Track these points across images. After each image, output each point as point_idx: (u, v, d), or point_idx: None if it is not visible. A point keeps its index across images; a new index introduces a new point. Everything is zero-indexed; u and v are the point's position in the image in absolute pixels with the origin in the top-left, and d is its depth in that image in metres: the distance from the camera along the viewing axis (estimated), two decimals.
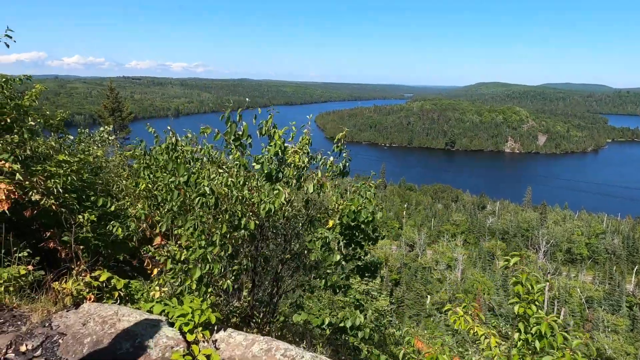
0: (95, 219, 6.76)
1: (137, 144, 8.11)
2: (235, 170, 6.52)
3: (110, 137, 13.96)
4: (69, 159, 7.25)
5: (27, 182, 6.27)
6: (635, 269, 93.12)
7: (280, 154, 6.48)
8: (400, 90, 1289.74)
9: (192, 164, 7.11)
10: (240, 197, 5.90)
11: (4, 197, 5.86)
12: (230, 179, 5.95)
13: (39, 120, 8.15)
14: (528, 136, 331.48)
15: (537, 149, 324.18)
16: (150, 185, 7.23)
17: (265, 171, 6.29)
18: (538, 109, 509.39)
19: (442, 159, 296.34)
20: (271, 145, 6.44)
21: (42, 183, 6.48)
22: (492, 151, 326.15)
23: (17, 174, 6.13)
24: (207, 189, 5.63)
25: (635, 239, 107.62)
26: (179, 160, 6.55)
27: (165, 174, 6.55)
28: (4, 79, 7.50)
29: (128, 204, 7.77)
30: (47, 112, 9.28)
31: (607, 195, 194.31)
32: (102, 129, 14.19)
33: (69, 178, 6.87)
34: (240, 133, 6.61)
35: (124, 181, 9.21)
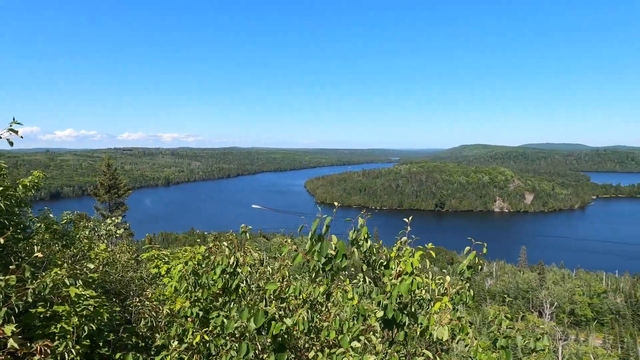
0: None
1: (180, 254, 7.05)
2: (343, 319, 5.08)
3: (118, 232, 13.06)
4: (85, 292, 5.47)
5: (23, 351, 4.52)
6: None
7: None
8: (387, 154, 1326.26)
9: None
10: None
11: None
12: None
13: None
14: (515, 195, 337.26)
15: (525, 207, 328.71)
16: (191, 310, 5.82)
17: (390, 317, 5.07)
18: (521, 168, 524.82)
19: (433, 220, 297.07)
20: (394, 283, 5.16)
21: (48, 349, 4.68)
22: (481, 211, 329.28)
23: (11, 341, 4.33)
24: None
25: (637, 298, 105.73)
26: (251, 302, 5.33)
27: (222, 313, 5.28)
28: None
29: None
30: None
31: (600, 252, 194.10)
32: (108, 221, 13.27)
33: (86, 327, 5.19)
34: (334, 253, 5.23)
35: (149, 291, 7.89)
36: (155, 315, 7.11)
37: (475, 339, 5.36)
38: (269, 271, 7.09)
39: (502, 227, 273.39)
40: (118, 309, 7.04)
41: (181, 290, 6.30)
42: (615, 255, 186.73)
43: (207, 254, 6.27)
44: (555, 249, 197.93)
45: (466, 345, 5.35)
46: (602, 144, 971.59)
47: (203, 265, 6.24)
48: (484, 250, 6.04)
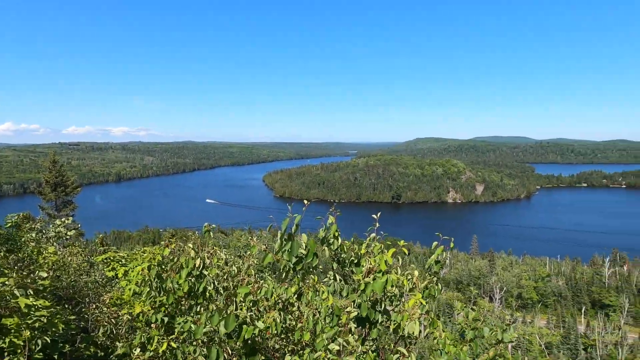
0: None
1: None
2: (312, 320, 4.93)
3: (68, 233, 12.32)
4: (36, 302, 4.98)
5: None
6: (583, 310, 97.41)
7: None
8: (344, 147, 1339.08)
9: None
10: None
11: None
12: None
13: None
14: (467, 186, 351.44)
15: (476, 198, 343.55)
16: (150, 312, 5.62)
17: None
18: (472, 160, 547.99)
19: (390, 212, 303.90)
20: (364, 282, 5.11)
21: None
22: (436, 202, 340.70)
23: None
24: None
25: (577, 280, 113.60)
26: (219, 305, 5.00)
27: (189, 318, 5.03)
28: None
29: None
30: None
31: (544, 239, 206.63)
32: (58, 222, 12.48)
33: (39, 340, 4.78)
34: (305, 252, 5.14)
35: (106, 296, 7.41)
36: (114, 322, 6.72)
37: (444, 332, 5.46)
38: (234, 271, 6.89)
39: (455, 217, 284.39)
40: (73, 317, 6.59)
41: (143, 296, 5.98)
42: (557, 241, 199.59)
43: (171, 257, 5.97)
44: (504, 237, 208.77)
45: (434, 338, 5.45)
46: (545, 137, 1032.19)
47: (167, 268, 5.95)
48: (451, 245, 6.16)
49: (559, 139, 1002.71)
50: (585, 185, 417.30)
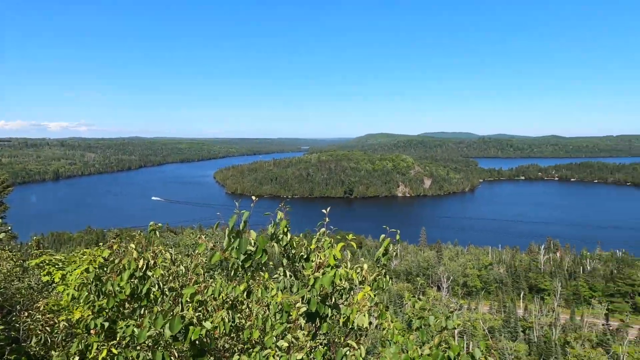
0: None
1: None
2: (261, 316, 4.86)
3: None
4: None
5: None
6: (521, 295, 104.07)
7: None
8: (297, 143, 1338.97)
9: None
10: None
11: None
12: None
13: None
14: (416, 180, 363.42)
15: (424, 192, 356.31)
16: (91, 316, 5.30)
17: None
18: (420, 155, 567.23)
19: (343, 206, 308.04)
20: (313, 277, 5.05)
21: None
22: (386, 196, 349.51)
23: None
24: None
25: (516, 267, 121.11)
26: (164, 307, 4.90)
27: (132, 322, 4.79)
28: None
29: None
30: None
31: (487, 229, 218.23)
32: None
33: None
34: (254, 249, 5.03)
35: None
36: (49, 329, 6.27)
37: (392, 322, 5.60)
38: (182, 270, 6.65)
39: (405, 210, 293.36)
40: (2, 327, 6.08)
41: (81, 300, 5.62)
42: (498, 231, 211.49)
43: (111, 258, 5.65)
44: (451, 228, 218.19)
45: (384, 329, 5.57)
46: (487, 133, 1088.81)
47: (107, 270, 5.62)
48: (397, 237, 6.31)
49: (499, 134, 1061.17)
50: (523, 178, 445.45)
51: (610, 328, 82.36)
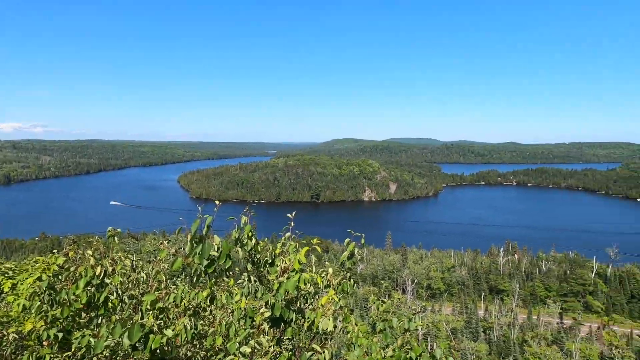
0: None
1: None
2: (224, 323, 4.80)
3: None
4: None
5: None
6: (482, 296, 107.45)
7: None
8: (263, 147, 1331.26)
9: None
10: None
11: None
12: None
13: None
14: (381, 185, 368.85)
15: (390, 196, 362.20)
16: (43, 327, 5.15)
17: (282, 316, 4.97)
18: (386, 160, 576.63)
19: (310, 211, 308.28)
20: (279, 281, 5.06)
21: None
22: (353, 201, 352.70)
23: None
24: None
25: (477, 269, 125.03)
26: (124, 315, 4.72)
27: (88, 332, 4.56)
28: None
29: None
30: None
31: (450, 232, 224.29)
32: None
33: None
34: (217, 254, 4.93)
35: None
36: None
37: (357, 325, 5.66)
38: (143, 277, 6.46)
39: (371, 215, 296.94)
40: None
41: (33, 310, 5.33)
42: (461, 234, 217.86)
43: (67, 265, 5.40)
44: (415, 232, 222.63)
45: (348, 332, 5.62)
46: (449, 139, 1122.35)
47: (62, 278, 5.37)
48: (362, 241, 6.39)
49: (461, 140, 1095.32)
50: (483, 183, 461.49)
51: (564, 326, 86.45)
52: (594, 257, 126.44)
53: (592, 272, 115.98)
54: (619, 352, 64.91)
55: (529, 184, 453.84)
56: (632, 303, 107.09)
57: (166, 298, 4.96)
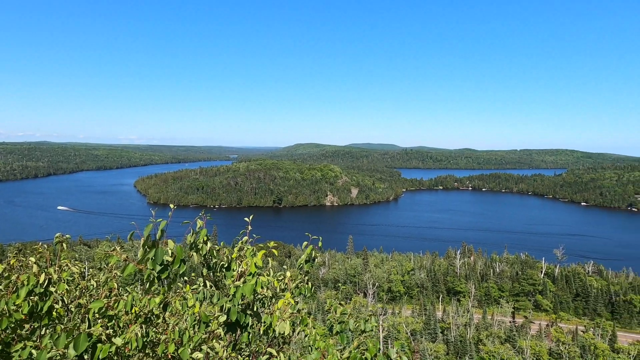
0: None
1: None
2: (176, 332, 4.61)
3: None
4: None
5: None
6: (440, 298, 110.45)
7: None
8: (225, 151, 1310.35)
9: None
10: None
11: None
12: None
13: None
14: (343, 190, 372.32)
15: (351, 200, 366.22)
16: None
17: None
18: (348, 165, 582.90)
19: (272, 216, 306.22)
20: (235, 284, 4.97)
21: None
22: (315, 205, 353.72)
23: None
24: None
25: (435, 271, 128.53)
26: (70, 324, 4.46)
27: (30, 344, 4.25)
28: None
29: None
30: None
31: (410, 236, 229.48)
32: None
33: None
34: (171, 259, 4.73)
35: None
36: None
37: (314, 328, 5.68)
38: (93, 285, 6.17)
39: (333, 219, 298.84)
40: None
41: None
42: (420, 237, 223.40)
43: (6, 274, 5.07)
44: (377, 235, 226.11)
45: (306, 335, 5.63)
46: (409, 145, 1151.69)
47: (1, 287, 5.04)
48: (320, 244, 6.43)
49: (420, 146, 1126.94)
50: (441, 187, 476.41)
51: (516, 325, 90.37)
52: (543, 258, 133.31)
53: (542, 272, 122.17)
54: (565, 348, 68.68)
55: (483, 189, 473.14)
56: (577, 301, 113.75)
57: (115, 305, 4.77)
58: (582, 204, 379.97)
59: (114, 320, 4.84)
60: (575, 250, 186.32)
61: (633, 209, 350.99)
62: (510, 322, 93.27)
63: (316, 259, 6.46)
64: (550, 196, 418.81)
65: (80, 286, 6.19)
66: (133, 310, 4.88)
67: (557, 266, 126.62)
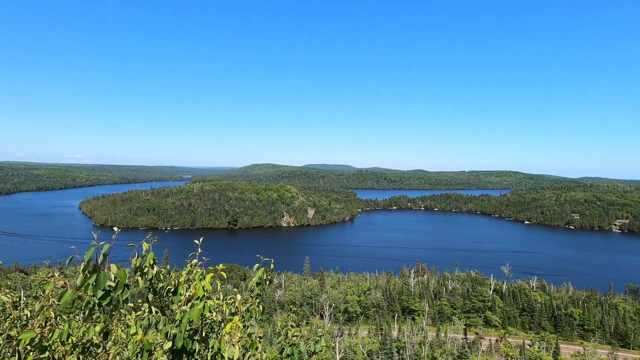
0: None
1: None
2: None
3: None
4: None
5: None
6: (395, 317, 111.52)
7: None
8: (178, 171, 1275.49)
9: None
10: None
11: None
12: None
13: None
14: (300, 210, 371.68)
15: (308, 221, 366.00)
16: None
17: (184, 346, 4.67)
18: (304, 186, 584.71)
19: (226, 238, 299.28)
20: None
21: None
22: (271, 226, 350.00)
23: None
24: None
25: (390, 291, 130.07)
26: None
27: None
28: None
29: None
30: None
31: (365, 256, 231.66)
32: None
33: None
34: (114, 285, 4.55)
35: None
36: None
37: (265, 352, 5.59)
38: (27, 315, 5.76)
39: (290, 240, 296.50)
40: None
41: None
42: (375, 257, 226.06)
43: None
44: (333, 256, 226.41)
45: (256, 359, 5.53)
46: (364, 166, 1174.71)
47: None
48: (272, 266, 6.40)
49: (375, 167, 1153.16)
50: (395, 207, 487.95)
51: (468, 341, 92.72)
52: (492, 275, 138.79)
53: (490, 288, 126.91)
54: None
55: (435, 209, 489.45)
56: (523, 316, 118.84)
57: (50, 336, 4.46)
58: (526, 222, 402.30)
59: (47, 352, 4.52)
60: (520, 266, 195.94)
61: (570, 227, 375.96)
62: (462, 338, 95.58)
63: (268, 282, 6.41)
64: (497, 215, 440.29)
65: (11, 317, 5.76)
66: (70, 340, 4.59)
67: (505, 282, 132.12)
